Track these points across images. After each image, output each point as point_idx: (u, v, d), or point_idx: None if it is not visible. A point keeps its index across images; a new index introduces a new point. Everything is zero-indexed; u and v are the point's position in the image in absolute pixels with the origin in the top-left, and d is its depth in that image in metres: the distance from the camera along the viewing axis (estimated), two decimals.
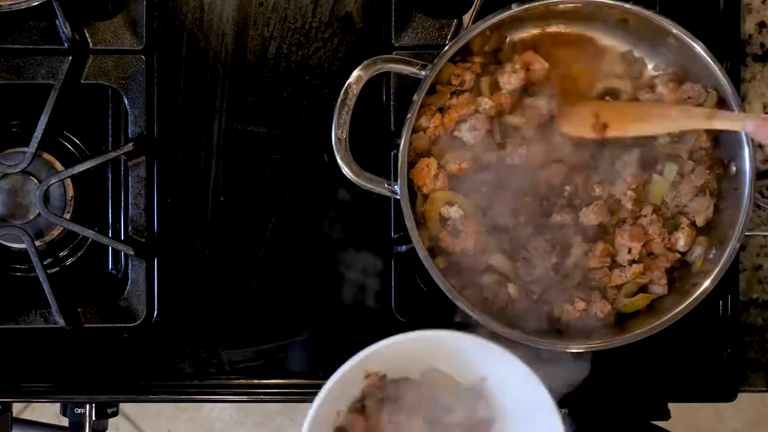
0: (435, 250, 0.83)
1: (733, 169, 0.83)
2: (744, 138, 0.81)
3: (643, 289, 0.85)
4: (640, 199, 0.84)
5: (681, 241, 0.84)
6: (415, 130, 0.83)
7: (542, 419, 0.78)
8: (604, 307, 0.83)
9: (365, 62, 0.81)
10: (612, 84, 0.85)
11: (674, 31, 0.81)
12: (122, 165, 0.90)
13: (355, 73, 0.80)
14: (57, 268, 0.94)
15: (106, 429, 0.93)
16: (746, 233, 0.81)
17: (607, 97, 0.85)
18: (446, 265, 0.83)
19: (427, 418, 0.81)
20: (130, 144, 0.87)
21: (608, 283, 0.84)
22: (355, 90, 0.80)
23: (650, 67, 0.87)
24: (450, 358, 0.81)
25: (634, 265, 0.83)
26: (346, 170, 0.81)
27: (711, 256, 0.83)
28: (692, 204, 0.84)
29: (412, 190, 0.83)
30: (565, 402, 0.90)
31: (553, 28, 0.86)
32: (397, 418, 0.80)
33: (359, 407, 0.82)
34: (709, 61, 0.81)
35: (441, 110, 0.84)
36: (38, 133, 0.86)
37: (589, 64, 0.86)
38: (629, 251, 0.83)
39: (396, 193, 0.80)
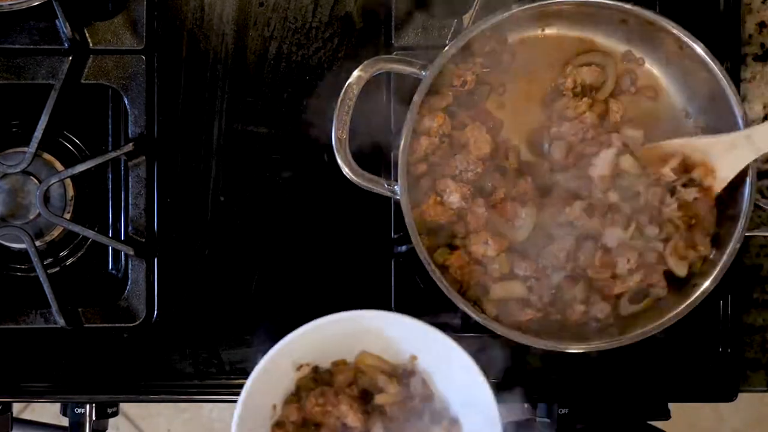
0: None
1: None
2: None
3: (644, 293, 0.84)
4: None
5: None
6: (415, 131, 0.83)
7: (476, 392, 0.78)
8: (604, 308, 0.83)
9: (365, 62, 0.81)
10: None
11: (674, 31, 0.81)
12: (122, 165, 0.90)
13: (356, 73, 0.80)
14: (57, 268, 0.94)
15: (106, 429, 0.93)
16: (746, 234, 0.81)
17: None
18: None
19: (357, 400, 0.82)
20: (130, 144, 0.87)
21: (611, 291, 0.83)
22: (356, 90, 0.80)
23: (649, 66, 0.87)
24: (378, 339, 0.82)
25: (636, 275, 0.82)
26: (345, 170, 0.80)
27: (711, 256, 0.83)
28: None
29: (412, 191, 0.83)
30: (565, 402, 0.90)
31: (553, 29, 0.86)
32: (327, 401, 0.81)
33: (295, 399, 0.82)
34: (709, 61, 0.81)
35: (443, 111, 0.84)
36: (38, 133, 0.86)
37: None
38: (628, 261, 0.82)
39: (396, 193, 0.80)
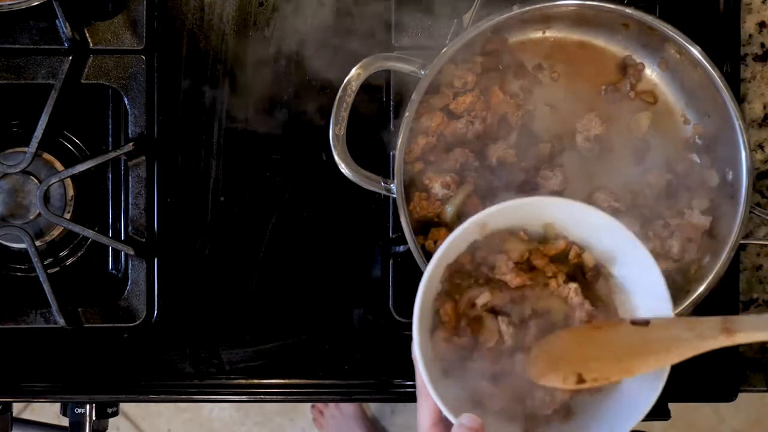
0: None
1: (730, 176, 0.82)
2: (741, 143, 0.80)
3: None
4: None
5: (675, 248, 0.84)
6: (413, 130, 0.83)
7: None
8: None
9: (364, 60, 0.81)
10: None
11: (674, 36, 0.81)
12: (122, 165, 0.90)
13: (354, 70, 0.80)
14: (57, 268, 0.94)
15: (106, 429, 0.93)
16: (741, 241, 0.81)
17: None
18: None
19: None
20: (130, 144, 0.87)
21: None
22: (354, 87, 0.80)
23: (648, 71, 0.87)
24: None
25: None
26: (342, 167, 0.80)
27: (705, 263, 0.83)
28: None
29: (408, 190, 0.83)
30: None
31: (553, 32, 0.86)
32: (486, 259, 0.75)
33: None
34: (708, 67, 0.81)
35: (442, 110, 0.84)
36: (38, 133, 0.86)
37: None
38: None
39: (392, 192, 0.80)
